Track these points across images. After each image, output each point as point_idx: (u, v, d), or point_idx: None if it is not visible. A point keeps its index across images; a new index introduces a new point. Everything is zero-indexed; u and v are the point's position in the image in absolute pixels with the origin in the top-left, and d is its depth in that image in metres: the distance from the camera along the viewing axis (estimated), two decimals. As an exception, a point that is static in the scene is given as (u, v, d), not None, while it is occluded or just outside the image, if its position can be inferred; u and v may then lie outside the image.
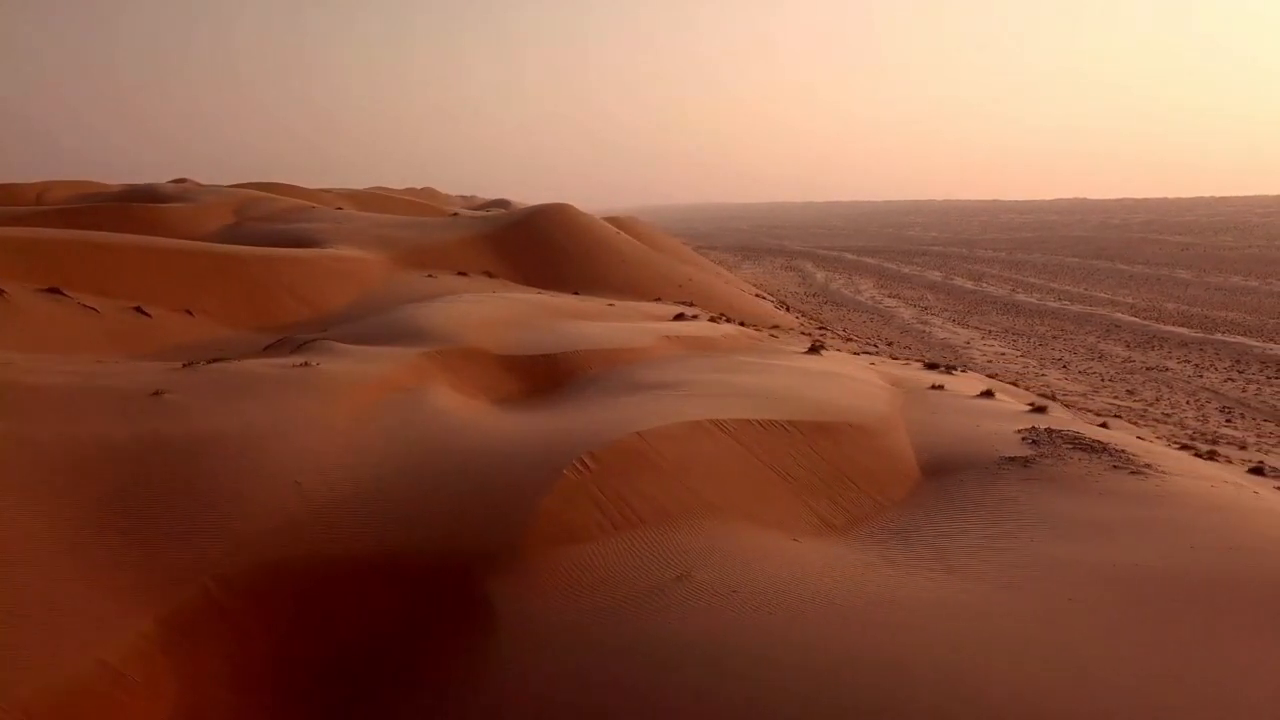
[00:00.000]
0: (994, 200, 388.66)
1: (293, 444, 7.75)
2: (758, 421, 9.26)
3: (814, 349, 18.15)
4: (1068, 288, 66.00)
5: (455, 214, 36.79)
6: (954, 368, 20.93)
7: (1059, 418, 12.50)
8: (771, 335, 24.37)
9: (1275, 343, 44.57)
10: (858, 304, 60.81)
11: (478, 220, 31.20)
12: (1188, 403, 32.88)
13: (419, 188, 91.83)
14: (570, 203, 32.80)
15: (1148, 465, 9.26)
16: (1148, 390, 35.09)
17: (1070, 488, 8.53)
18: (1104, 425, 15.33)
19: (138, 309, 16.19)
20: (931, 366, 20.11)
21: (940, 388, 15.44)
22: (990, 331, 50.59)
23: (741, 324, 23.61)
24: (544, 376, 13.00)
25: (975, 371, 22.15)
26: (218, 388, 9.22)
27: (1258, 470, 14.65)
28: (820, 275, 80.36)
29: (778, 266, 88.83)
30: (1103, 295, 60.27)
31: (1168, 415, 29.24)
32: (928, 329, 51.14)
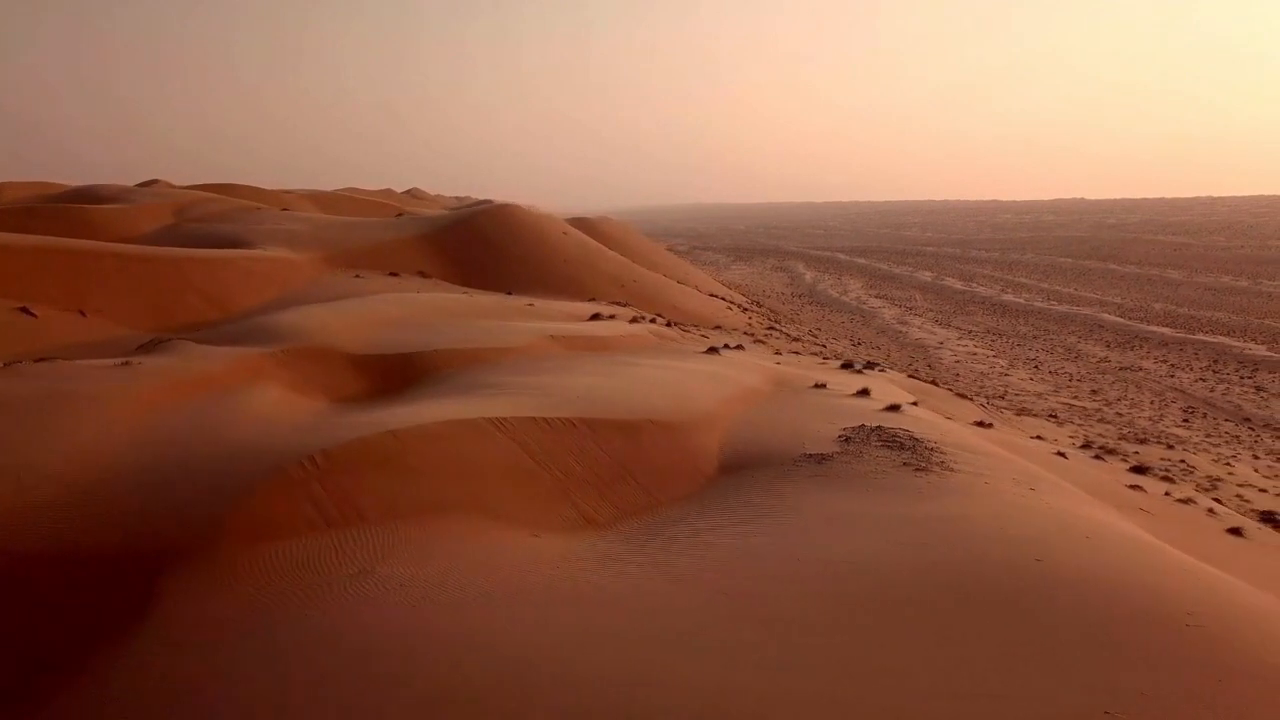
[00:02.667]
0: (992, 201, 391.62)
1: (43, 443, 7.86)
2: (547, 420, 9.32)
3: (712, 350, 18.19)
4: (1057, 288, 65.81)
5: (400, 214, 36.99)
6: (874, 366, 20.92)
7: (914, 415, 12.51)
8: (703, 336, 24.41)
9: (1256, 342, 44.35)
10: (841, 304, 60.78)
11: (419, 221, 31.36)
12: (1151, 402, 32.75)
13: (401, 190, 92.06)
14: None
15: (941, 463, 9.28)
16: (1113, 390, 34.98)
17: (845, 485, 8.56)
18: (987, 425, 15.30)
19: (23, 309, 16.40)
20: (847, 366, 20.11)
21: (823, 386, 15.47)
22: (970, 332, 50.50)
23: (669, 324, 23.65)
24: (396, 375, 13.11)
25: (900, 371, 22.11)
26: (11, 387, 9.34)
27: (1139, 470, 14.64)
28: (809, 275, 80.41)
29: (769, 267, 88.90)
30: (1091, 295, 60.09)
31: (1119, 415, 29.11)
32: (906, 329, 51.10)
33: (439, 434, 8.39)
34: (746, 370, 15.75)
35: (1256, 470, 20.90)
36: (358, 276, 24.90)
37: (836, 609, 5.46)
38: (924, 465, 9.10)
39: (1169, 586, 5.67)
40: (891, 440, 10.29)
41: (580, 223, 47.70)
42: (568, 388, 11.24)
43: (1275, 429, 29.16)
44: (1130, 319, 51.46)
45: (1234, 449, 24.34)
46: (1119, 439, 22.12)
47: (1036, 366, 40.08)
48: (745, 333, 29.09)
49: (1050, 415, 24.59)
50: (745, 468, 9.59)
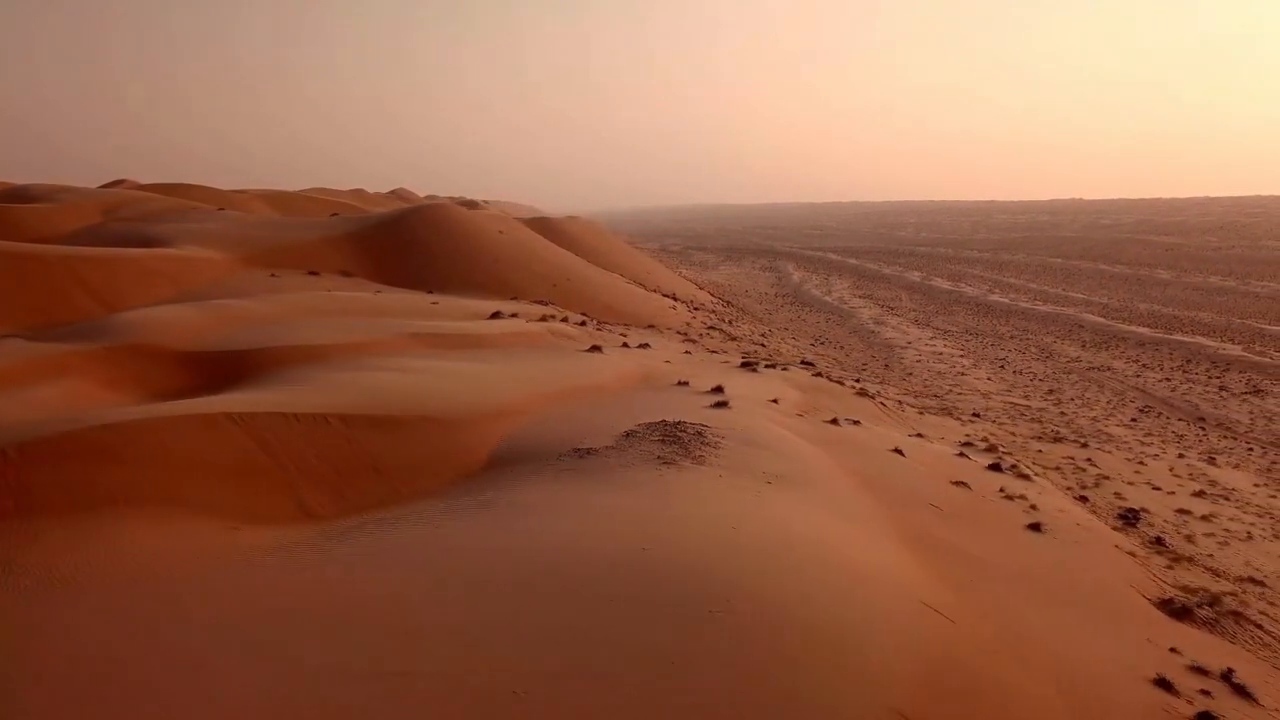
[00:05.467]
0: (989, 201, 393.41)
1: None
2: (296, 415, 9.41)
3: (595, 348, 18.25)
4: (1045, 288, 65.62)
5: (334, 215, 37.24)
6: (774, 365, 20.92)
7: (738, 411, 12.57)
8: (622, 335, 24.46)
9: (1232, 343, 44.05)
10: (823, 304, 60.74)
11: (349, 221, 31.58)
12: (1108, 401, 32.56)
13: (386, 191, 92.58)
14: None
15: (698, 458, 9.35)
16: (1071, 389, 34.79)
17: (580, 478, 8.66)
18: (854, 422, 15.30)
19: (-112, 309, 16.63)
20: (746, 365, 20.13)
21: (685, 384, 15.56)
22: (947, 332, 50.36)
23: (583, 323, 23.71)
24: (225, 372, 13.27)
25: (803, 369, 22.08)
26: None
27: (995, 467, 14.57)
28: (797, 276, 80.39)
29: (758, 267, 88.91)
30: (1078, 296, 59.86)
31: (1062, 415, 28.93)
32: (880, 329, 51.02)
33: (163, 427, 8.48)
34: (607, 368, 15.82)
35: (1171, 470, 20.76)
36: (273, 275, 25.10)
37: (407, 600, 5.55)
38: (674, 460, 9.15)
39: (752, 575, 5.70)
40: (673, 436, 10.33)
41: (541, 222, 47.89)
42: (364, 383, 11.33)
43: (1225, 428, 28.95)
44: (1112, 319, 51.24)
45: (1164, 448, 24.15)
46: (1033, 438, 22.04)
47: (1002, 366, 39.92)
48: (679, 332, 29.11)
49: (974, 415, 24.50)
50: (510, 463, 9.65)
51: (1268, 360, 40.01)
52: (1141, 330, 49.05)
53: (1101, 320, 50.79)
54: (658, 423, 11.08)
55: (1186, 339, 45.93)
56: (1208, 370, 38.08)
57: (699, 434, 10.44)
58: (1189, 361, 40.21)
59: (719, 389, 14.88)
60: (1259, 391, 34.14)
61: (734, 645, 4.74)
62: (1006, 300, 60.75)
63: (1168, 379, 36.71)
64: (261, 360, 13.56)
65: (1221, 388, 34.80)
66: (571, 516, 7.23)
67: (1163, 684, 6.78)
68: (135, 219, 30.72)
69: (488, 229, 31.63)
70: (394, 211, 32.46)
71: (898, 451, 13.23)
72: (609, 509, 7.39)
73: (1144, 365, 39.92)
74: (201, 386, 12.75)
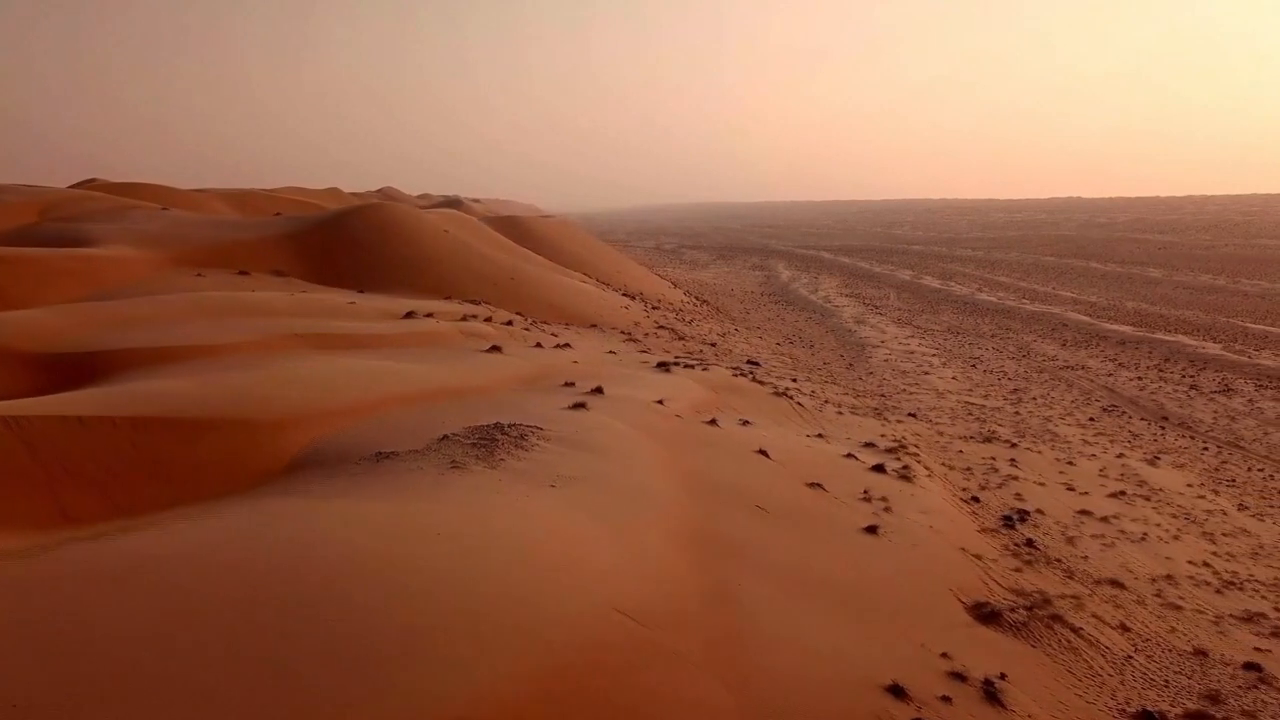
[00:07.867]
0: (988, 199, 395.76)
1: None
2: (79, 418, 9.28)
3: (495, 348, 18.10)
4: (1035, 286, 65.37)
5: (278, 214, 37.29)
6: (695, 365, 20.74)
7: (597, 412, 12.40)
8: (553, 334, 24.32)
9: (1214, 341, 43.63)
10: (807, 303, 60.52)
11: (289, 220, 31.57)
12: (1073, 401, 32.21)
13: (373, 189, 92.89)
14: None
15: (498, 461, 9.20)
16: (1037, 389, 34.43)
17: (359, 480, 8.53)
18: (745, 423, 15.10)
19: None
20: (662, 365, 19.96)
21: (570, 385, 15.44)
22: (927, 330, 50.01)
23: (509, 323, 23.57)
24: (74, 373, 13.19)
25: (734, 369, 21.91)
26: None
27: (879, 468, 14.34)
28: (786, 274, 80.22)
29: (749, 266, 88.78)
30: (1067, 294, 59.53)
31: (1017, 414, 28.60)
32: (859, 328, 50.71)
33: (-77, 430, 8.37)
34: (491, 369, 15.71)
35: (1102, 470, 20.44)
36: (199, 275, 25.07)
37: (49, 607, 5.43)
38: (465, 464, 9.01)
39: (405, 591, 5.55)
40: (490, 439, 10.16)
41: (509, 221, 47.86)
42: (193, 384, 11.23)
43: (1186, 427, 28.55)
44: (1097, 318, 50.91)
45: (1109, 447, 23.82)
46: (961, 437, 21.80)
47: (974, 365, 39.55)
48: (623, 332, 28.95)
49: (909, 415, 24.24)
50: (308, 467, 9.53)
51: (1245, 359, 39.60)
52: (1124, 329, 48.67)
53: (1086, 319, 50.42)
54: (489, 425, 10.90)
55: (1168, 338, 45.54)
56: (1183, 369, 37.66)
57: (521, 437, 10.26)
58: (1166, 360, 39.78)
59: (598, 390, 14.70)
60: (1229, 390, 33.72)
61: (326, 649, 4.60)
62: (994, 299, 60.51)
63: (1140, 378, 36.30)
64: (112, 362, 13.46)
65: (1192, 387, 34.36)
66: (286, 521, 7.08)
67: (895, 691, 6.56)
68: (72, 219, 30.77)
69: (429, 230, 31.54)
70: (334, 211, 32.43)
71: (762, 453, 13.01)
72: (324, 513, 7.26)
73: (1120, 364, 39.52)
74: (46, 389, 12.64)
